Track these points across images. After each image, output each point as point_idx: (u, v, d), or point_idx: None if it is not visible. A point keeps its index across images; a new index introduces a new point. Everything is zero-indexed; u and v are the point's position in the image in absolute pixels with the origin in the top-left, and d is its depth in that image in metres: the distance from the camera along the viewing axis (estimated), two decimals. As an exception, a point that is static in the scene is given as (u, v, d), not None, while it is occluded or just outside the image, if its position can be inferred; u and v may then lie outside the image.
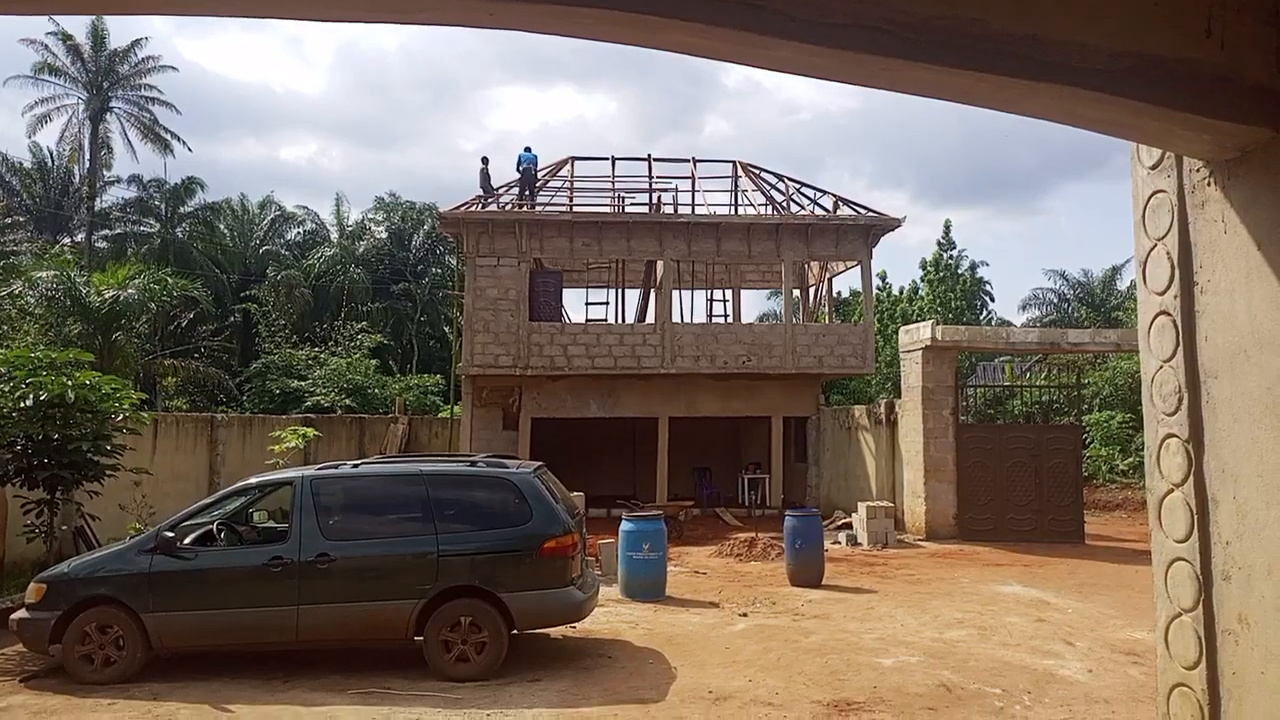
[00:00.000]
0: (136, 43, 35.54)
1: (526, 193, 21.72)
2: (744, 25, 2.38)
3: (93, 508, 12.05)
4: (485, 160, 21.95)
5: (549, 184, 23.11)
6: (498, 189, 22.15)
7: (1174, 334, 2.94)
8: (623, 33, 2.49)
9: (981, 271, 38.13)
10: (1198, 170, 2.91)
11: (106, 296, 20.90)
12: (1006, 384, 25.27)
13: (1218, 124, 2.61)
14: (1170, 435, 2.95)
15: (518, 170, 21.91)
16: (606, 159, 23.49)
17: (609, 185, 23.10)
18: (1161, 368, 3.00)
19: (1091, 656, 8.38)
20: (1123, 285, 39.16)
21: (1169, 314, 2.97)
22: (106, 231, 35.39)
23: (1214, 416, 2.79)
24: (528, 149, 21.91)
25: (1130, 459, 23.07)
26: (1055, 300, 40.58)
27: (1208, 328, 2.83)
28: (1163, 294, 3.00)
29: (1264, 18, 2.60)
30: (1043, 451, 16.64)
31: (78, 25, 34.48)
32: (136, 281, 21.68)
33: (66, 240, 34.69)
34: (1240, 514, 2.67)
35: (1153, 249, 3.07)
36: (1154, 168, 3.08)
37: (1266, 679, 2.57)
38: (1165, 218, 3.01)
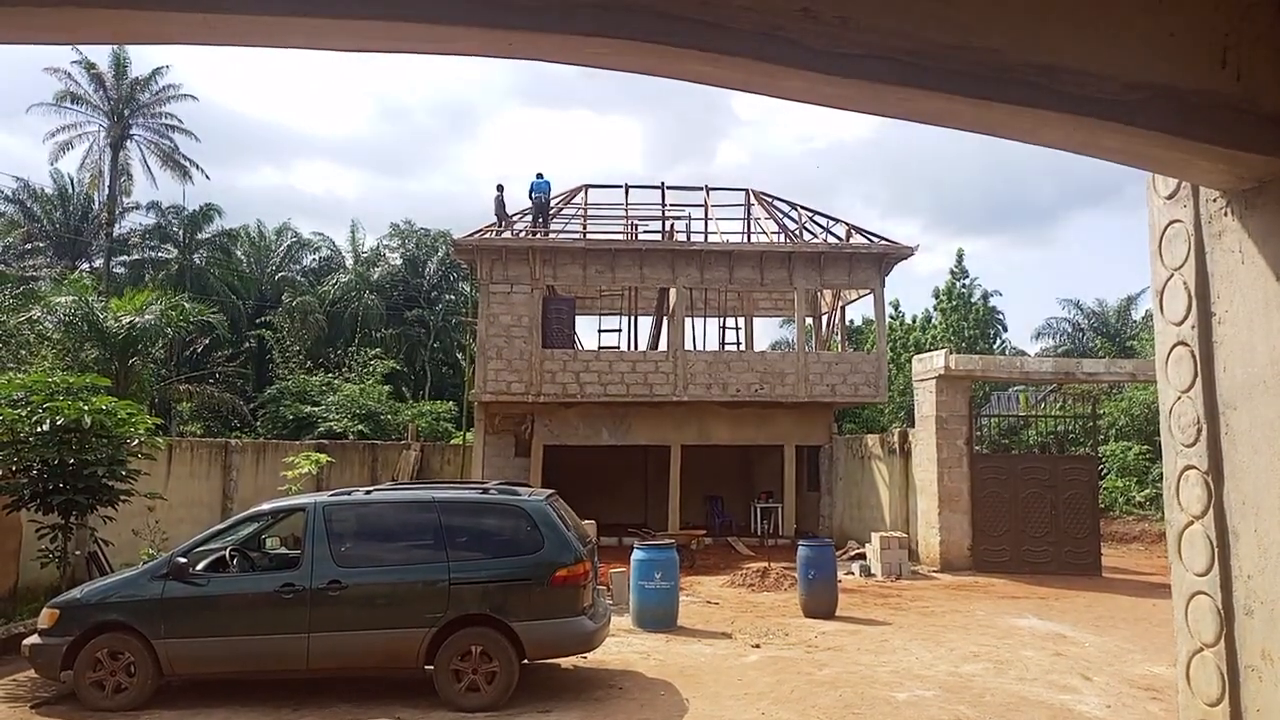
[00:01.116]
0: (157, 71, 36.11)
1: (540, 220, 21.86)
2: (759, 55, 2.39)
3: (106, 533, 12.07)
4: (500, 188, 22.10)
5: (562, 212, 23.25)
6: (511, 216, 22.29)
7: (1192, 365, 2.91)
8: (638, 62, 2.51)
9: (995, 301, 38.05)
10: (1214, 200, 2.90)
11: (124, 322, 21.06)
12: (1021, 414, 25.11)
13: (1234, 154, 2.60)
14: (1189, 467, 2.92)
15: (530, 198, 22.06)
16: (619, 187, 23.64)
17: (622, 213, 23.21)
18: (1180, 399, 2.97)
19: (1110, 692, 8.25)
20: (1138, 315, 38.98)
21: (1186, 344, 2.95)
22: (125, 257, 35.81)
23: (1233, 448, 2.76)
24: (540, 176, 22.05)
25: (1147, 490, 22.83)
26: (1070, 330, 40.42)
27: (1226, 358, 2.81)
28: (1180, 324, 2.98)
29: (1280, 48, 2.60)
30: (1058, 482, 16.49)
31: (100, 54, 35.10)
32: (154, 307, 21.86)
33: (85, 266, 35.08)
34: (1262, 547, 2.64)
35: (1169, 279, 3.05)
36: (1170, 198, 3.08)
37: (1292, 717, 2.52)
38: (1182, 248, 3.00)
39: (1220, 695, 2.75)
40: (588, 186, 23.82)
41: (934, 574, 16.05)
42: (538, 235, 21.52)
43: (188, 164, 36.68)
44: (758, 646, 10.15)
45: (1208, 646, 2.80)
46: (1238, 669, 2.71)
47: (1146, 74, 2.53)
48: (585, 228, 22.78)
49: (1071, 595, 13.82)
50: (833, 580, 12.28)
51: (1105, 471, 22.66)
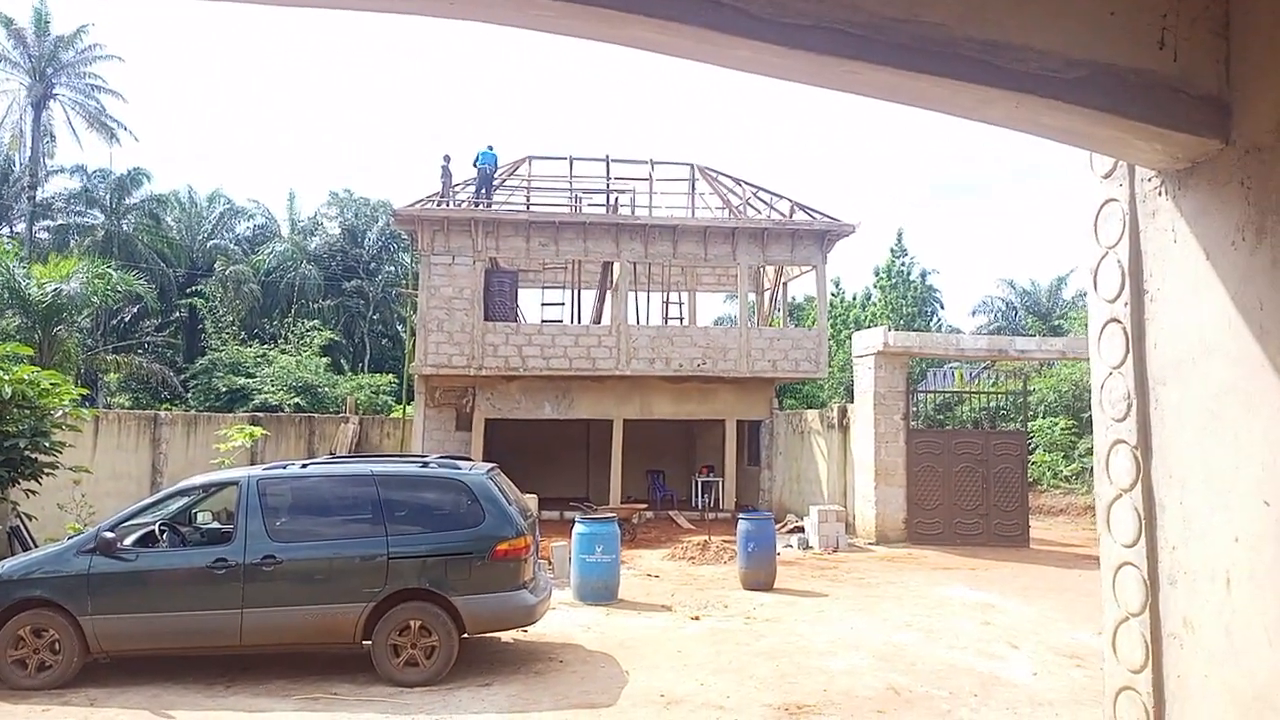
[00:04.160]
0: (81, 29, 34.66)
1: (483, 191, 21.58)
2: (705, 23, 2.36)
3: (29, 507, 11.68)
4: (447, 158, 21.72)
5: (506, 183, 22.98)
6: (454, 187, 21.97)
7: (1124, 341, 2.97)
8: (581, 27, 2.46)
9: (932, 279, 38.76)
10: (1149, 180, 2.95)
11: (47, 289, 20.35)
12: (956, 390, 25.65)
13: (1169, 134, 2.65)
14: (1119, 441, 2.99)
15: (474, 168, 21.76)
16: (564, 159, 23.42)
17: (566, 185, 23.04)
18: (1111, 374, 3.04)
19: (1036, 659, 8.52)
20: (1068, 294, 40.03)
21: (1119, 321, 3.01)
22: (48, 222, 34.44)
23: (1162, 423, 2.83)
24: (489, 148, 21.74)
25: (1073, 465, 23.53)
26: (1003, 308, 41.37)
27: (1157, 335, 2.88)
28: (1113, 301, 3.04)
29: (1215, 29, 2.65)
30: (990, 457, 16.92)
31: (20, 9, 33.62)
32: (79, 275, 21.14)
33: (6, 230, 33.73)
34: (1186, 519, 2.71)
35: (1104, 257, 3.11)
36: (1106, 176, 3.13)
37: (1210, 683, 2.61)
38: (1117, 226, 3.06)
39: (1144, 662, 2.83)
40: (531, 158, 23.59)
41: (870, 546, 16.37)
42: (480, 206, 21.25)
43: (115, 125, 35.42)
44: (697, 619, 10.25)
45: (1133, 615, 2.88)
46: (1161, 636, 2.79)
47: (1087, 52, 2.56)
48: (529, 200, 22.56)
49: (1000, 566, 14.21)
50: (772, 553, 12.44)
51: (1034, 446, 23.29)
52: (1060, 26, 2.55)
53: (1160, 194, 2.90)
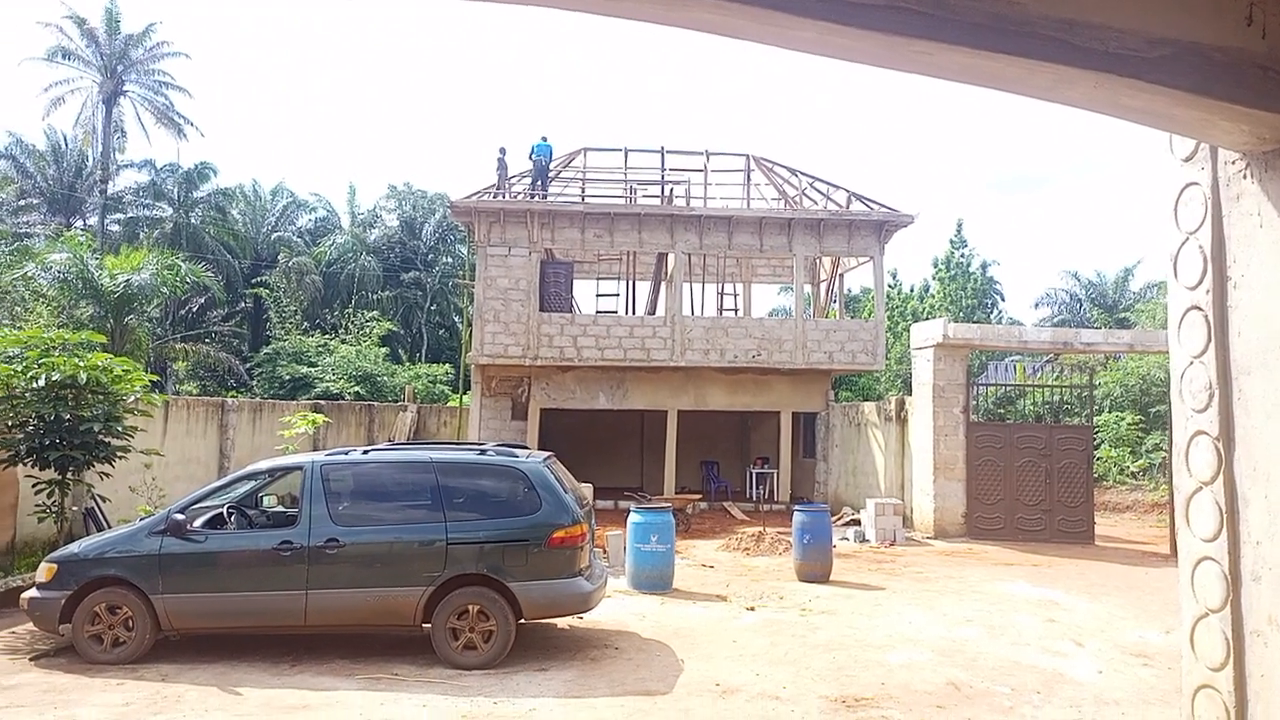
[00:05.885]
0: (150, 27, 35.61)
1: (539, 183, 21.70)
2: (769, 4, 2.32)
3: (103, 489, 12.08)
4: (503, 150, 21.89)
5: (561, 174, 23.07)
6: (510, 179, 22.12)
7: (1205, 329, 2.88)
8: (646, 9, 2.44)
9: (993, 270, 38.03)
10: (1233, 162, 2.84)
11: (119, 280, 20.96)
12: (1017, 383, 25.14)
13: (1257, 114, 2.55)
14: (1200, 432, 2.89)
15: (530, 160, 21.89)
16: (619, 150, 23.39)
17: (621, 176, 23.02)
18: (1192, 364, 2.94)
19: (1101, 657, 8.33)
20: (1135, 286, 38.95)
21: (1200, 309, 2.91)
22: (119, 215, 35.49)
23: (1246, 413, 2.73)
24: (543, 139, 21.85)
25: (1141, 461, 22.94)
26: (1067, 300, 40.42)
27: (1241, 323, 2.78)
28: (1194, 288, 2.94)
29: (1308, 5, 2.54)
30: (1053, 451, 16.55)
31: (92, 9, 34.62)
32: (149, 266, 21.75)
33: (79, 223, 34.82)
34: (1272, 513, 2.62)
35: (1184, 243, 3.01)
36: (1187, 160, 3.02)
37: (1295, 682, 2.52)
38: (1198, 211, 2.95)
39: (1225, 659, 2.74)
40: (587, 149, 23.61)
41: (928, 540, 16.15)
42: (536, 198, 21.36)
43: (182, 121, 36.33)
44: (752, 609, 10.21)
45: (1213, 611, 2.79)
46: (1243, 634, 2.70)
47: (1170, 30, 2.47)
48: (584, 191, 22.62)
49: (1064, 563, 13.91)
50: (827, 545, 12.34)
51: (1099, 442, 22.75)
52: (1141, 4, 2.47)
53: (1245, 177, 2.79)
